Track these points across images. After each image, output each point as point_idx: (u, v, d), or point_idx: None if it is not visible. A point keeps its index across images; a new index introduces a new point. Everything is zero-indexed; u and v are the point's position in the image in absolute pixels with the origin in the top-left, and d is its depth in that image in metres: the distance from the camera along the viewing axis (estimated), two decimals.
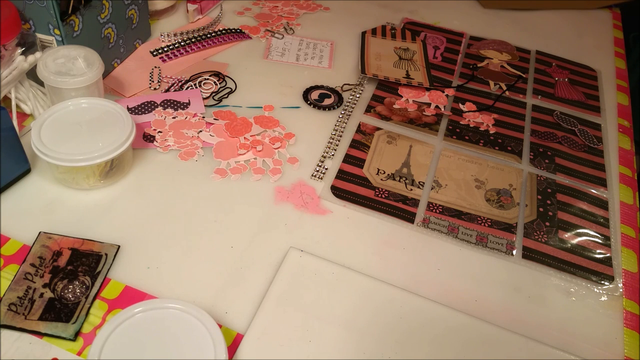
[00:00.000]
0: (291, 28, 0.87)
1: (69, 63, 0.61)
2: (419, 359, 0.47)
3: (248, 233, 0.56)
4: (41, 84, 0.63)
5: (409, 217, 0.60)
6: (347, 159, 0.65)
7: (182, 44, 0.79)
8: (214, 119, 0.68)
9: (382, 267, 0.54)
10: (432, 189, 0.63)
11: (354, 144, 0.68)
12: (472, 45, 0.89)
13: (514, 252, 0.58)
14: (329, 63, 0.81)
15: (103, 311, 0.48)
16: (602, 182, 0.67)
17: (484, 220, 0.60)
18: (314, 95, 0.75)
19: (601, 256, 0.58)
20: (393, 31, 0.88)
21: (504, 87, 0.81)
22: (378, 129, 0.70)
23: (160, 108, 0.68)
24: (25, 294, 0.47)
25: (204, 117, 0.68)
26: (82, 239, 0.52)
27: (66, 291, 0.48)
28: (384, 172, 0.64)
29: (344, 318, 0.49)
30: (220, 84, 0.74)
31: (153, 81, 0.73)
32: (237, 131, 0.66)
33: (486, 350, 0.48)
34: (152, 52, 0.78)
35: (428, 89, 0.78)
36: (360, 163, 0.65)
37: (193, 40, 0.80)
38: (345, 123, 0.70)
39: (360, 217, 0.59)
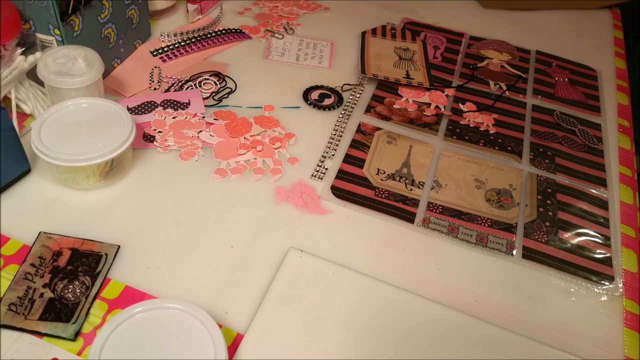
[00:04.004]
0: (291, 28, 0.87)
1: (69, 63, 0.61)
2: (418, 359, 0.47)
3: (248, 233, 0.56)
4: (41, 84, 0.63)
5: (409, 217, 0.60)
6: (347, 159, 0.65)
7: (182, 44, 0.79)
8: (214, 119, 0.68)
9: (382, 267, 0.54)
10: (432, 189, 0.63)
11: (354, 144, 0.68)
12: (472, 45, 0.89)
13: (514, 252, 0.58)
14: (329, 63, 0.81)
15: (103, 311, 0.48)
16: (602, 182, 0.67)
17: (484, 220, 0.60)
18: (314, 95, 0.75)
19: (601, 256, 0.58)
20: (393, 31, 0.88)
21: (504, 87, 0.81)
22: (378, 129, 0.70)
23: (160, 108, 0.68)
24: (25, 294, 0.47)
25: (204, 117, 0.68)
26: (82, 239, 0.52)
27: (66, 291, 0.48)
28: (384, 172, 0.64)
29: (344, 318, 0.49)
30: (220, 84, 0.74)
31: (153, 81, 0.73)
32: (237, 131, 0.66)
33: (486, 350, 0.48)
34: (152, 52, 0.78)
35: (428, 89, 0.78)
36: (360, 163, 0.65)
37: (193, 40, 0.80)
38: (345, 123, 0.70)
39: (360, 217, 0.59)
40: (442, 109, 0.75)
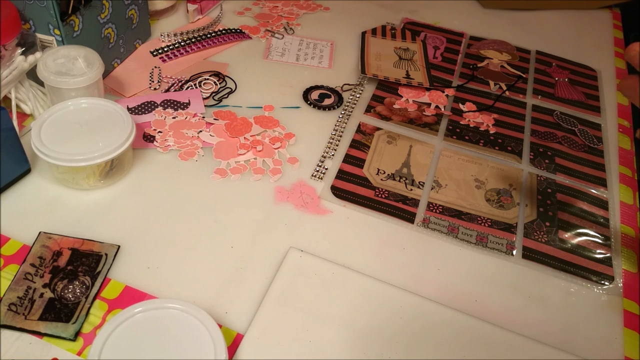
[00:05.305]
0: (291, 28, 0.87)
1: (69, 63, 0.61)
2: (418, 359, 0.47)
3: (248, 233, 0.56)
4: (41, 84, 0.63)
5: (409, 217, 0.60)
6: (347, 159, 0.65)
7: (182, 44, 0.79)
8: (214, 119, 0.68)
9: (382, 267, 0.54)
10: (432, 189, 0.63)
11: (354, 144, 0.68)
12: (472, 45, 0.89)
13: (514, 252, 0.58)
14: (329, 63, 0.81)
15: (103, 311, 0.48)
16: (602, 182, 0.67)
17: (484, 220, 0.60)
18: (314, 95, 0.75)
19: (601, 256, 0.58)
20: (393, 31, 0.88)
21: (504, 87, 0.81)
22: (378, 129, 0.70)
23: (160, 108, 0.68)
24: (25, 294, 0.47)
25: (204, 117, 0.68)
26: (82, 239, 0.52)
27: (66, 291, 0.48)
28: (384, 172, 0.64)
29: (343, 318, 0.49)
30: (220, 84, 0.74)
31: (153, 81, 0.73)
32: (237, 131, 0.66)
33: (486, 350, 0.48)
34: (152, 52, 0.78)
35: (428, 89, 0.78)
36: (360, 163, 0.65)
37: (193, 40, 0.80)
38: (345, 123, 0.70)
39: (360, 217, 0.59)
40: (442, 109, 0.75)
